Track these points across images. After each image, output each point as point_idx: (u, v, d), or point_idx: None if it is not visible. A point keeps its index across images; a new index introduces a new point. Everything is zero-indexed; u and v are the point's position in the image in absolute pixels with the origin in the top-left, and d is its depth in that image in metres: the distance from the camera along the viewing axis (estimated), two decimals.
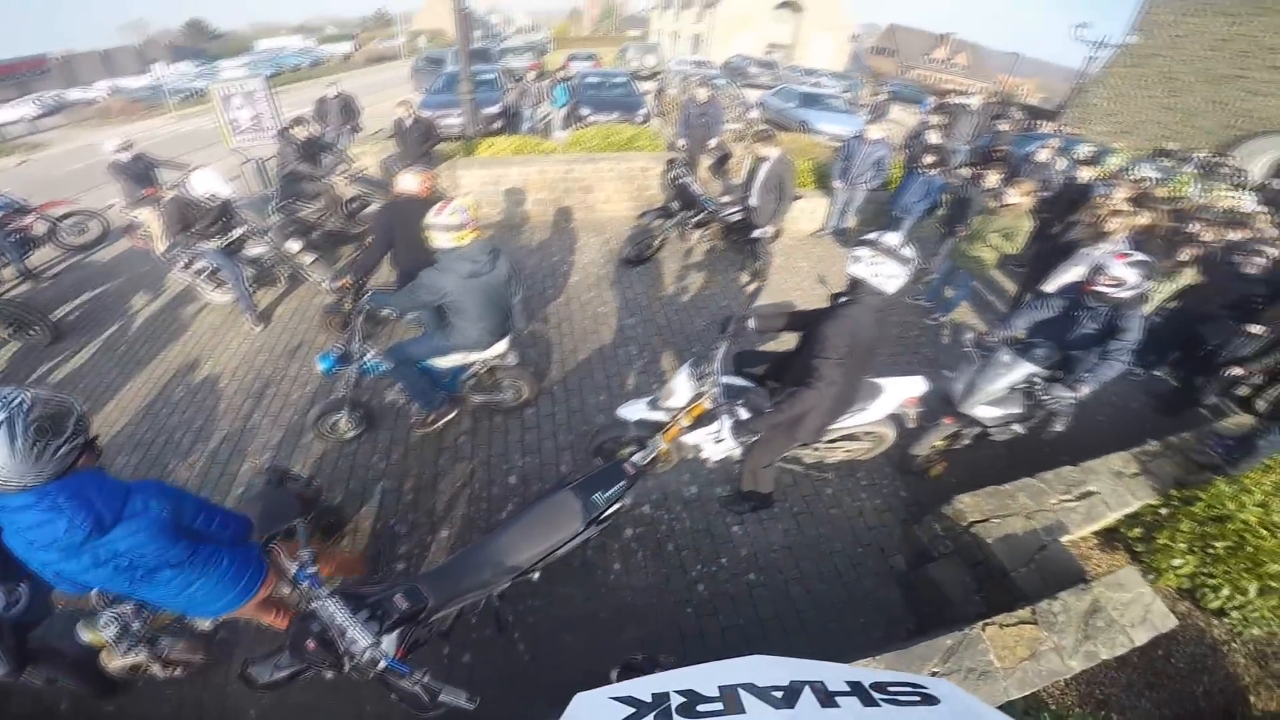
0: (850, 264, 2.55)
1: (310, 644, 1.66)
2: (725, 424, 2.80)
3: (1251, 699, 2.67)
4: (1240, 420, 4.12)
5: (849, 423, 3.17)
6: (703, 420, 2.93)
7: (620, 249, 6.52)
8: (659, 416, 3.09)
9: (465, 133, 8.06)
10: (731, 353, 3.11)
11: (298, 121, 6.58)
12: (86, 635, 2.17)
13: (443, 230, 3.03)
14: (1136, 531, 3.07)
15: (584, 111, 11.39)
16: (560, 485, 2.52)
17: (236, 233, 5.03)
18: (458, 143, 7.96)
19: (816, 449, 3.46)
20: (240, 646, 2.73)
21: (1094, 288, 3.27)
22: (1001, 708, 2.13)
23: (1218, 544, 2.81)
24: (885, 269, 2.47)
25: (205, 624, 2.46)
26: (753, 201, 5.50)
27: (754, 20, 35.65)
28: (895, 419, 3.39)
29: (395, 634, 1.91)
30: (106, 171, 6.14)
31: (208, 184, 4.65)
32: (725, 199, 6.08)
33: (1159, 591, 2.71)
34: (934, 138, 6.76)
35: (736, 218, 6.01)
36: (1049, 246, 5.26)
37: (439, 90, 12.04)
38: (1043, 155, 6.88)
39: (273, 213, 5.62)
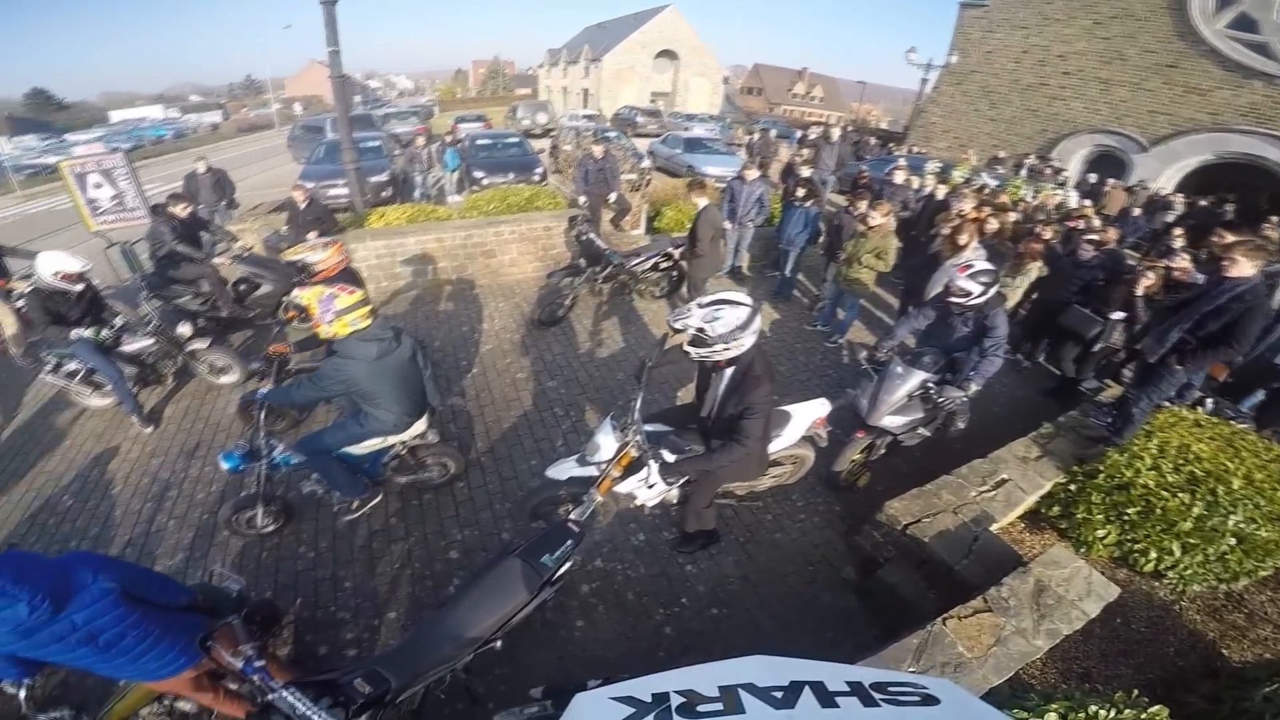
0: (683, 322, 2.58)
1: None
2: (653, 468, 2.87)
3: (1225, 652, 2.90)
4: (1115, 391, 4.64)
5: (769, 450, 3.30)
6: (632, 468, 2.98)
7: (532, 311, 6.45)
8: (589, 471, 3.11)
9: (353, 204, 7.76)
10: (647, 402, 3.21)
11: (175, 198, 6.03)
12: None
13: (338, 315, 2.87)
14: (1055, 510, 3.33)
15: (478, 174, 11.41)
16: (506, 552, 2.48)
17: (118, 322, 4.52)
18: (346, 215, 7.65)
19: (750, 479, 3.55)
20: None
21: (950, 299, 3.67)
22: (987, 694, 2.19)
23: (1130, 510, 3.02)
24: (720, 320, 2.52)
25: None
26: (701, 250, 5.74)
27: (636, 71, 37.79)
28: (810, 440, 3.58)
29: (365, 718, 1.88)
30: None
31: (57, 264, 4.15)
32: (637, 249, 6.26)
33: (1093, 564, 2.89)
34: (805, 171, 7.35)
35: (646, 267, 6.19)
36: (919, 260, 5.85)
37: (320, 160, 11.63)
38: (899, 177, 7.71)
39: (145, 301, 5.08)
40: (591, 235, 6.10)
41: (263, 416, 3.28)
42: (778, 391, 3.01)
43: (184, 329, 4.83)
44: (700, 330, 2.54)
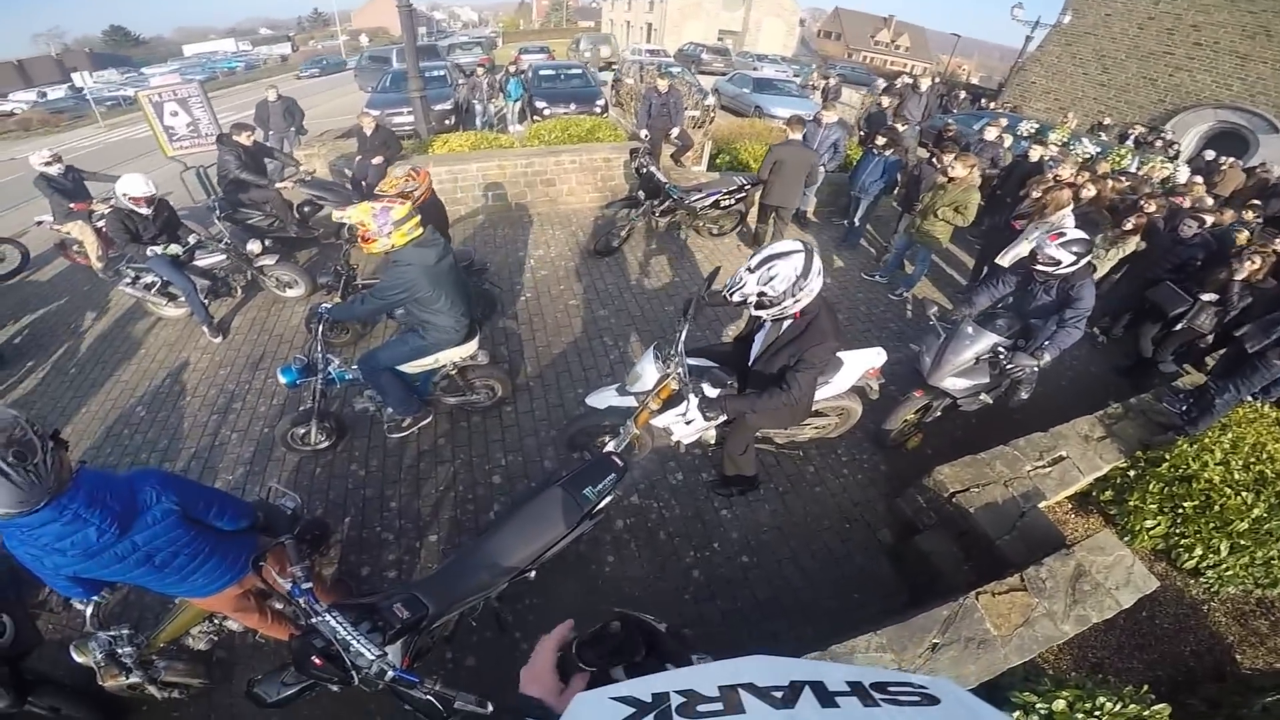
0: (740, 293, 2.46)
1: (315, 660, 1.64)
2: (692, 403, 2.78)
3: (1238, 657, 2.80)
4: (1194, 378, 4.31)
5: (815, 397, 3.19)
6: (671, 401, 2.93)
7: (588, 241, 6.44)
8: (628, 402, 3.08)
9: (418, 131, 7.81)
10: (694, 337, 3.11)
11: (240, 126, 6.24)
12: (79, 657, 2.14)
13: (396, 225, 2.89)
14: (1108, 494, 3.18)
15: (540, 104, 11.20)
16: (549, 482, 2.49)
17: (191, 239, 4.77)
18: (411, 141, 7.71)
19: (786, 428, 3.47)
20: (240, 666, 2.66)
21: (1036, 266, 3.40)
22: (1003, 675, 2.18)
23: (1186, 504, 2.89)
24: (777, 276, 2.38)
25: (201, 644, 2.45)
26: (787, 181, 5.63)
27: (704, 8, 35.74)
28: (859, 393, 3.44)
29: (399, 644, 1.89)
30: (34, 185, 5.73)
31: (127, 187, 4.40)
32: (699, 184, 6.07)
33: (1136, 553, 2.79)
34: (892, 120, 6.87)
35: (706, 203, 6.01)
36: (1003, 220, 5.45)
37: (386, 89, 11.69)
38: (990, 134, 7.10)
39: (218, 220, 5.36)
40: (652, 168, 5.94)
41: (320, 331, 3.33)
42: None
43: (253, 246, 5.05)
44: (761, 294, 2.40)
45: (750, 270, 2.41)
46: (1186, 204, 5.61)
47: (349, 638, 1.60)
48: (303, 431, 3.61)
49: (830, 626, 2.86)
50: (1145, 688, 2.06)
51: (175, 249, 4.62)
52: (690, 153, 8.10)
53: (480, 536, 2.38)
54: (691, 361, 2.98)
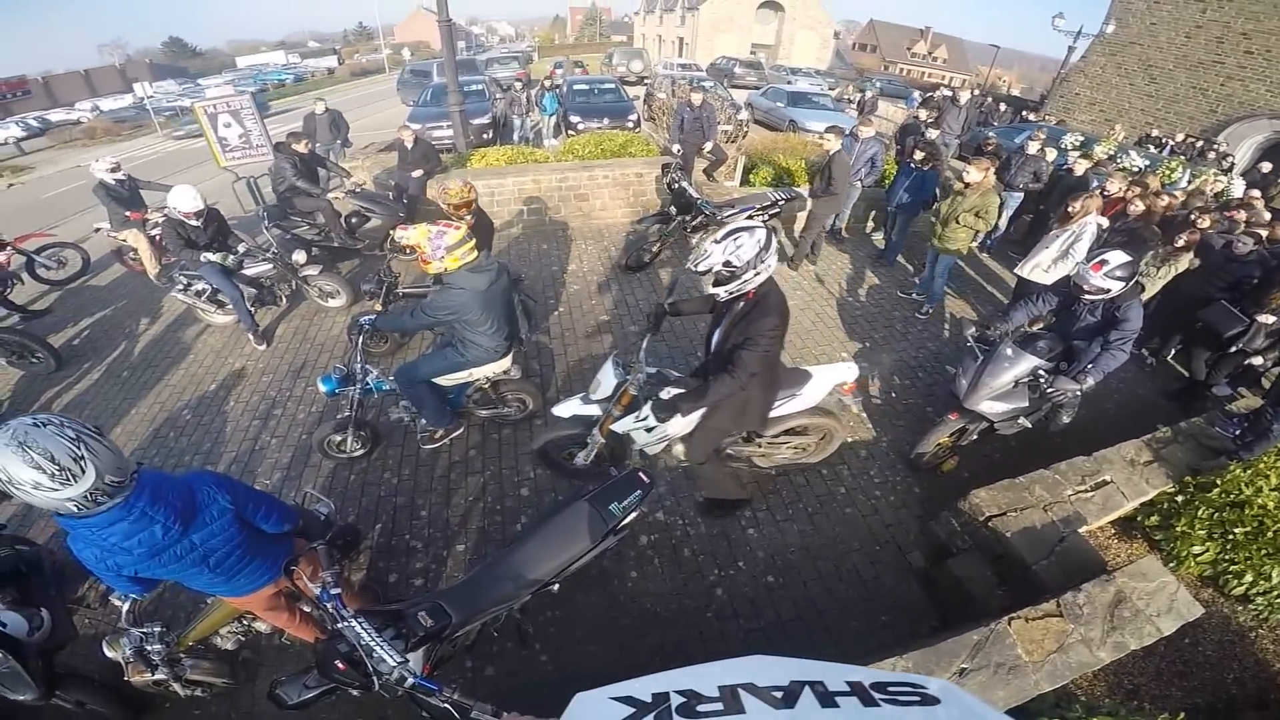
0: (706, 262, 2.48)
1: (339, 664, 1.67)
2: (647, 406, 2.81)
3: None
4: (1249, 402, 4.13)
5: (781, 411, 3.15)
6: (631, 407, 2.96)
7: (620, 256, 6.51)
8: (593, 411, 3.10)
9: (457, 145, 8.05)
10: (655, 344, 3.14)
11: (295, 136, 6.52)
12: (110, 653, 2.20)
13: (449, 250, 3.00)
14: (1154, 520, 3.07)
15: (574, 119, 11.41)
16: (576, 496, 2.52)
17: (241, 249, 4.99)
18: (450, 155, 7.94)
19: (760, 445, 3.42)
20: (265, 667, 2.72)
21: (1083, 296, 3.30)
22: (1033, 701, 2.13)
23: (1237, 530, 2.80)
24: (743, 246, 2.43)
25: (229, 644, 2.51)
26: (836, 189, 5.80)
27: (736, 21, 35.90)
28: (835, 414, 3.38)
29: (421, 651, 1.91)
30: (93, 193, 6.08)
31: (175, 200, 4.62)
32: (732, 199, 6.11)
33: (1181, 580, 2.70)
34: (931, 133, 6.78)
35: (740, 219, 6.02)
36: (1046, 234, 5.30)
37: (427, 103, 12.05)
38: (1032, 147, 6.94)
39: (265, 230, 5.60)
40: (684, 184, 5.99)
41: (360, 341, 3.43)
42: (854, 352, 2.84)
43: (299, 256, 5.24)
44: (726, 264, 2.44)
45: (716, 241, 2.47)
46: (1242, 219, 5.37)
47: (372, 643, 1.62)
48: (339, 439, 3.70)
49: (855, 648, 2.82)
50: (1181, 715, 1.98)
51: (228, 257, 4.82)
52: (723, 167, 8.13)
53: (506, 548, 2.41)
54: (655, 369, 3.03)
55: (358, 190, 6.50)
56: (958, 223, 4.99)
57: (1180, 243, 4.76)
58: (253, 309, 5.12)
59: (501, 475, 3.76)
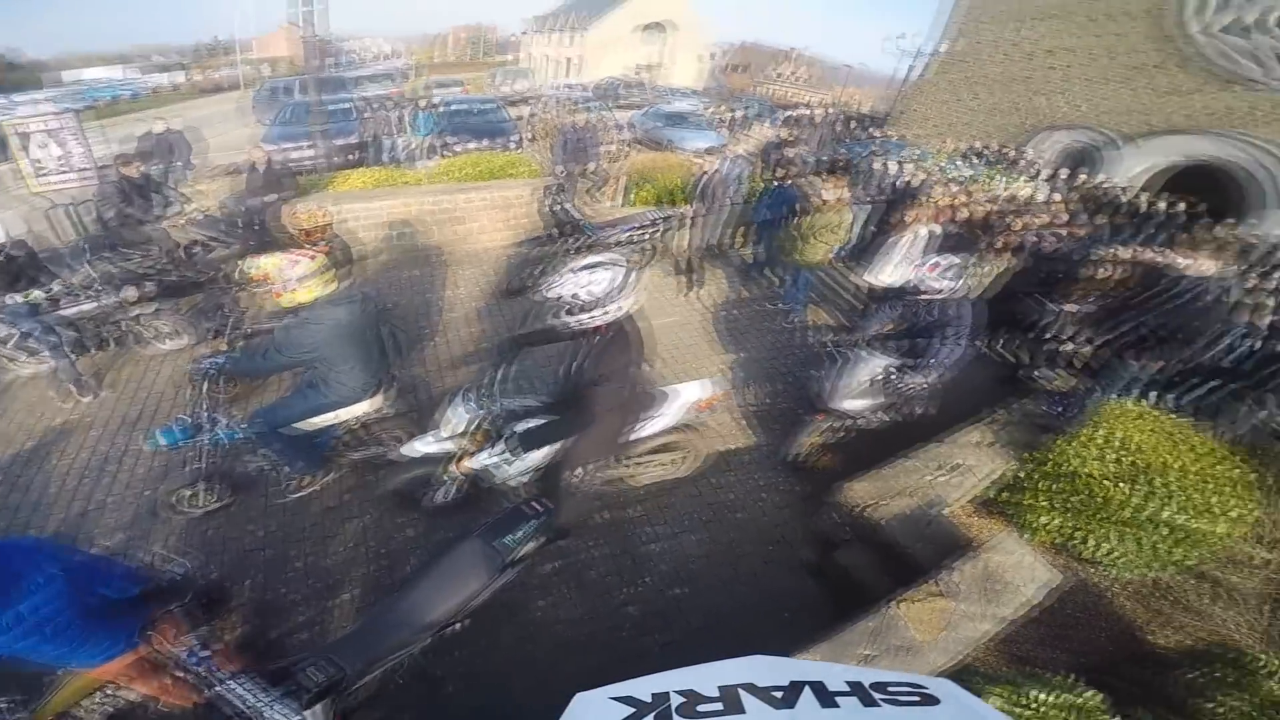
0: (557, 290, 2.49)
1: None
2: (505, 442, 2.77)
3: (1150, 637, 2.98)
4: (1064, 382, 4.73)
5: (647, 431, 3.22)
6: (487, 443, 2.91)
7: (499, 280, 6.32)
8: (448, 447, 3.01)
9: (318, 166, 7.47)
10: (511, 374, 3.11)
11: (123, 158, 5.75)
12: None
13: (300, 281, 2.72)
14: (1005, 496, 3.38)
15: (450, 140, 11.07)
16: (467, 534, 2.44)
17: (55, 286, 4.29)
18: (308, 177, 7.34)
19: (629, 465, 3.50)
20: None
21: (921, 297, 3.66)
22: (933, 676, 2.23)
23: (1074, 499, 3.09)
24: (597, 282, 2.43)
25: (95, 718, 2.26)
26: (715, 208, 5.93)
27: (622, 42, 36.87)
28: (695, 429, 3.51)
29: (321, 707, 1.82)
30: None
31: None
32: (614, 220, 6.13)
33: (1037, 549, 2.97)
34: (789, 151, 7.27)
35: (622, 239, 6.07)
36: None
37: (285, 121, 11.17)
38: (877, 162, 7.68)
39: (88, 263, 4.83)
40: (566, 205, 5.97)
41: (205, 388, 3.11)
42: (732, 366, 2.94)
43: (129, 292, 4.61)
44: (575, 296, 2.42)
45: (574, 272, 2.44)
46: (1045, 220, 6.23)
47: (261, 704, 1.55)
48: (189, 493, 3.34)
49: (764, 649, 2.86)
50: (1072, 676, 2.13)
51: (36, 295, 4.15)
52: (607, 188, 8.21)
53: (396, 593, 2.31)
54: (512, 402, 2.99)
55: (199, 217, 5.86)
56: (816, 238, 5.37)
57: (999, 244, 5.45)
58: (73, 355, 4.42)
59: (381, 518, 3.51)
